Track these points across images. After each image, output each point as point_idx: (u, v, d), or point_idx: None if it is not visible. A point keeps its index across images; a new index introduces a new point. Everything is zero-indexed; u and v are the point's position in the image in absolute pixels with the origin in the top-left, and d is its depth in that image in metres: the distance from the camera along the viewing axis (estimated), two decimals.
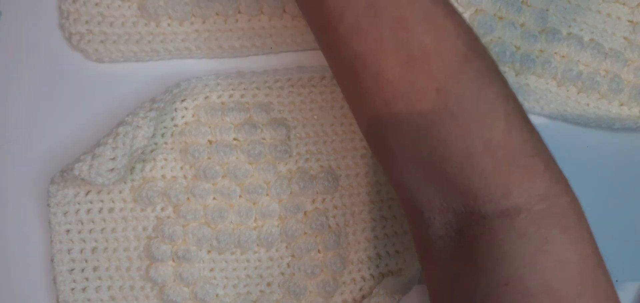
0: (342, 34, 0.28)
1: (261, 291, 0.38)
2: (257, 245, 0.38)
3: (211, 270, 0.38)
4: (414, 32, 0.27)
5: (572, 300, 0.26)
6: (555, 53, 0.40)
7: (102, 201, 0.37)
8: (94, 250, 0.37)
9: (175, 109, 0.38)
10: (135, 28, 0.38)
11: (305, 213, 0.38)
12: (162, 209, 0.37)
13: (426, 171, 0.28)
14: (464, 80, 0.27)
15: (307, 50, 0.40)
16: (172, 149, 0.38)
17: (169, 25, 0.38)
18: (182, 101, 0.38)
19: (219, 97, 0.38)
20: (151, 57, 0.39)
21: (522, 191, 0.27)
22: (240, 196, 0.38)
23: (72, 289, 0.37)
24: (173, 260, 0.37)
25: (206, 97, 0.38)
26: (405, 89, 0.27)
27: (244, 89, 0.39)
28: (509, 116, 0.27)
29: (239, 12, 0.39)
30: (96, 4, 0.38)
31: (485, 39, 0.39)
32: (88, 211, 0.37)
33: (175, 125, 0.38)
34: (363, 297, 0.38)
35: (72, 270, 0.37)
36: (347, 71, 0.29)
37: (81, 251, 0.37)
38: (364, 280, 0.38)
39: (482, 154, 0.27)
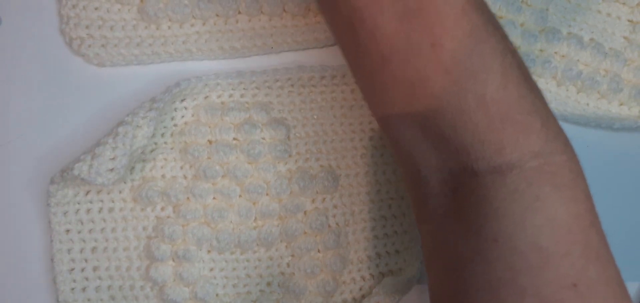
0: None
1: (261, 291, 0.38)
2: (257, 244, 0.38)
3: (211, 269, 0.38)
4: None
5: (559, 259, 0.26)
6: (555, 53, 0.40)
7: (102, 201, 0.37)
8: (93, 249, 0.37)
9: (175, 109, 0.38)
10: (135, 31, 0.38)
11: (305, 212, 0.38)
12: (162, 209, 0.37)
13: (422, 129, 0.28)
14: (459, 34, 0.26)
15: (308, 49, 0.40)
16: (172, 149, 0.38)
17: (169, 27, 0.38)
18: (182, 100, 0.38)
19: (219, 97, 0.38)
20: (152, 60, 0.39)
21: (515, 148, 0.26)
22: (240, 196, 0.38)
23: (72, 289, 0.37)
24: (173, 260, 0.37)
25: (206, 97, 0.38)
26: (400, 44, 0.27)
27: (244, 89, 0.39)
28: (505, 71, 0.26)
29: (239, 13, 0.39)
30: (96, 8, 0.38)
31: None
32: (88, 211, 0.37)
33: (175, 125, 0.38)
34: (363, 297, 0.38)
35: (72, 269, 0.37)
36: (345, 27, 0.29)
37: (81, 251, 0.37)
38: (364, 280, 0.38)
39: (475, 110, 0.26)
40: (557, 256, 0.26)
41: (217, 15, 0.38)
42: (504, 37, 0.27)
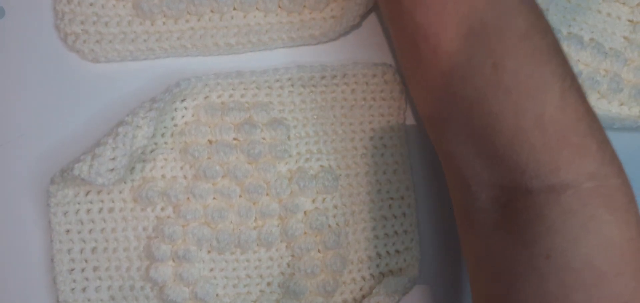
0: (406, 6, 0.29)
1: (261, 291, 0.38)
2: (257, 244, 0.38)
3: (211, 269, 0.38)
4: (475, 8, 0.27)
5: (613, 278, 0.26)
6: None
7: (102, 201, 0.37)
8: (93, 250, 0.37)
9: (175, 109, 0.38)
10: (130, 27, 0.38)
11: (305, 212, 0.38)
12: (162, 209, 0.37)
13: (477, 145, 0.29)
14: (520, 56, 0.27)
15: (303, 46, 0.40)
16: (172, 149, 0.38)
17: (164, 23, 0.38)
18: (182, 100, 0.38)
19: (219, 97, 0.38)
20: (147, 56, 0.39)
21: (571, 169, 0.27)
22: (240, 196, 0.38)
23: (72, 289, 0.37)
24: (173, 260, 0.37)
25: (206, 97, 0.38)
26: (462, 63, 0.27)
27: (244, 88, 0.39)
28: (564, 93, 0.27)
29: (234, 9, 0.39)
30: (91, 4, 0.38)
31: None
32: (88, 211, 0.37)
33: (175, 125, 0.38)
34: (363, 297, 0.38)
35: (72, 270, 0.37)
36: (408, 43, 0.30)
37: (81, 251, 0.37)
38: (364, 280, 0.38)
39: (533, 129, 0.27)
40: (610, 276, 0.26)
41: (212, 11, 0.38)
42: (564, 61, 0.28)
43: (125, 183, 0.37)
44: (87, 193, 0.37)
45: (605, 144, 0.28)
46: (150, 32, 0.38)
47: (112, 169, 0.35)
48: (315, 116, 0.39)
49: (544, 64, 0.27)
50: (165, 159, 0.38)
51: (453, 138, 0.30)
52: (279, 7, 0.39)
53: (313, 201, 0.38)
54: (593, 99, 0.40)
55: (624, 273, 0.27)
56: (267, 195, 0.38)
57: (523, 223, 0.28)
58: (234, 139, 0.38)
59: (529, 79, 0.27)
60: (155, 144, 0.38)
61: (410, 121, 0.40)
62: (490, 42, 0.27)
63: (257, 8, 0.39)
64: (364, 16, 0.39)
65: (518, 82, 0.27)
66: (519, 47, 0.27)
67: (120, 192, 0.37)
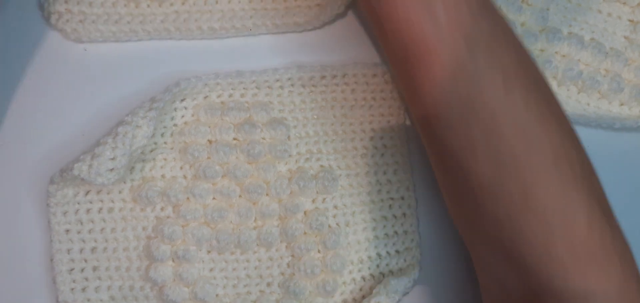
0: (438, 131, 0.30)
1: (261, 291, 0.38)
2: (257, 245, 0.38)
3: (211, 270, 0.38)
4: (505, 139, 0.28)
5: None
6: (556, 52, 0.40)
7: (101, 201, 0.37)
8: (93, 250, 0.37)
9: (175, 109, 0.38)
10: (114, 8, 0.38)
11: (305, 213, 0.38)
12: (162, 209, 0.37)
13: (506, 255, 0.30)
14: (550, 186, 0.28)
15: (287, 33, 0.40)
16: (171, 149, 0.38)
17: (148, 6, 0.38)
18: (182, 100, 0.38)
19: (219, 96, 0.38)
20: (130, 38, 0.39)
21: (598, 283, 0.28)
22: (240, 196, 0.38)
23: (72, 289, 0.37)
24: (173, 260, 0.37)
25: (206, 97, 0.38)
26: (492, 187, 0.29)
27: (244, 88, 0.38)
28: (591, 214, 0.28)
29: None
30: None
31: None
32: (88, 211, 0.37)
33: (175, 125, 0.38)
34: (363, 297, 0.38)
35: (72, 270, 0.37)
36: (440, 163, 0.32)
37: (81, 251, 0.37)
38: (364, 280, 0.38)
39: (561, 248, 0.28)
40: None
41: None
42: (592, 181, 0.29)
43: (124, 183, 0.37)
44: (87, 193, 0.37)
45: (627, 260, 0.29)
46: (134, 14, 0.38)
47: (111, 169, 0.35)
48: (315, 116, 0.39)
49: (572, 190, 0.28)
50: (165, 159, 0.38)
51: (484, 246, 0.31)
52: None
53: (313, 201, 0.38)
54: (593, 99, 0.40)
55: None
56: (267, 195, 0.38)
57: None
58: (234, 139, 0.38)
59: (558, 206, 0.28)
60: (155, 144, 0.38)
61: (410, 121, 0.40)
62: (520, 173, 0.28)
63: None
64: (348, 5, 0.40)
65: (547, 209, 0.28)
66: (547, 177, 0.28)
67: (120, 192, 0.37)
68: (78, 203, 0.37)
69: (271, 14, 0.39)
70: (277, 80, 0.39)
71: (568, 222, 0.28)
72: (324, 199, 0.38)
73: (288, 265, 0.38)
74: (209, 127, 0.38)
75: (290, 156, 0.38)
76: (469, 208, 0.31)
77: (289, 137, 0.38)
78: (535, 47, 0.39)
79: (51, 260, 0.37)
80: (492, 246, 0.30)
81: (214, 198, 0.37)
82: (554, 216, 0.28)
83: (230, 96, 0.38)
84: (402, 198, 0.39)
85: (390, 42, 0.31)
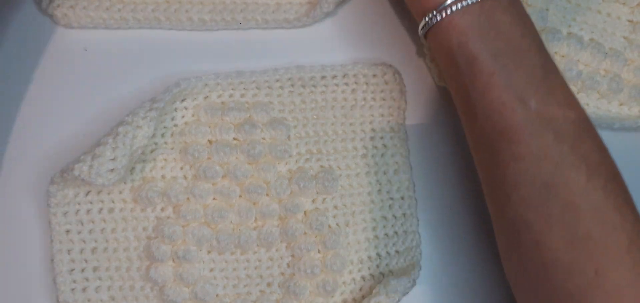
0: (513, 201, 0.31)
1: (261, 291, 0.38)
2: (257, 245, 0.38)
3: (211, 270, 0.38)
4: (582, 220, 0.30)
5: None
6: (555, 53, 0.40)
7: (102, 201, 0.37)
8: (93, 250, 0.37)
9: (175, 109, 0.38)
10: None
11: (305, 212, 0.38)
12: (162, 209, 0.37)
13: None
14: (621, 269, 0.29)
15: (276, 29, 0.40)
16: (172, 149, 0.38)
17: None
18: (182, 100, 0.38)
19: (219, 97, 0.38)
20: (120, 26, 0.39)
21: None
22: (240, 196, 0.38)
23: (72, 289, 0.37)
24: (173, 260, 0.37)
25: (206, 97, 0.38)
26: (565, 262, 0.30)
27: (244, 88, 0.39)
28: None
29: None
30: None
31: None
32: (88, 211, 0.37)
33: (175, 125, 0.38)
34: (363, 297, 0.38)
35: (72, 270, 0.37)
36: (509, 230, 0.33)
37: (81, 252, 0.37)
38: (364, 280, 0.38)
39: None
40: None
41: None
42: None
43: (125, 183, 0.37)
44: (87, 193, 0.37)
45: None
46: (125, 2, 0.38)
47: (112, 170, 0.35)
48: (315, 116, 0.39)
49: (637, 266, 0.29)
50: (165, 160, 0.38)
51: None
52: None
53: (313, 201, 0.38)
54: (593, 99, 0.40)
55: None
56: (267, 195, 0.38)
57: None
58: (234, 139, 0.38)
59: (629, 289, 0.29)
60: (155, 144, 0.38)
61: (410, 121, 0.40)
62: (593, 252, 0.29)
63: None
64: (339, 4, 0.40)
65: (618, 290, 0.29)
66: (620, 261, 0.29)
67: (120, 192, 0.37)
68: (78, 204, 0.37)
69: (261, 9, 0.39)
70: (277, 80, 0.39)
71: (629, 297, 0.29)
72: (324, 199, 0.38)
73: (288, 265, 0.38)
74: (209, 127, 0.38)
75: (290, 156, 0.38)
76: (537, 283, 0.31)
77: (289, 137, 0.38)
78: None
79: (51, 260, 0.37)
80: None
81: (214, 198, 0.37)
82: (624, 298, 0.29)
83: (231, 96, 0.38)
84: (402, 198, 0.39)
85: (478, 120, 0.33)
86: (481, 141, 0.33)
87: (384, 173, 0.39)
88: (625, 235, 0.30)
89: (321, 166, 0.38)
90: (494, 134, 0.32)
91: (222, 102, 0.38)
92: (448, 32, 0.32)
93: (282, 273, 0.38)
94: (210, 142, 0.38)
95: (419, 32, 0.35)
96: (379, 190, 0.39)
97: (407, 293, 0.38)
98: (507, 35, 0.32)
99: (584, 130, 0.32)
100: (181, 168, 0.38)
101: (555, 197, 0.30)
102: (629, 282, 0.29)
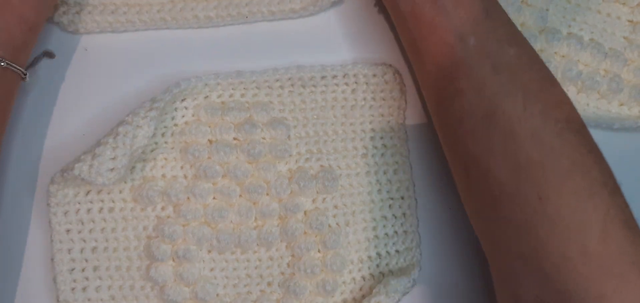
0: (460, 137, 0.33)
1: (261, 291, 0.38)
2: (257, 244, 0.38)
3: (211, 269, 0.38)
4: (521, 146, 0.30)
5: None
6: (555, 53, 0.40)
7: (102, 201, 0.37)
8: (94, 249, 0.37)
9: (176, 109, 0.38)
10: None
11: (305, 212, 0.38)
12: (162, 208, 0.37)
13: (526, 264, 0.30)
14: (564, 193, 0.29)
15: (283, 20, 0.40)
16: (172, 148, 0.38)
17: None
18: (182, 100, 0.38)
19: (219, 96, 0.38)
20: (126, 28, 0.39)
21: (614, 294, 0.28)
22: (240, 196, 0.38)
23: (73, 289, 0.37)
24: (173, 260, 0.37)
25: (206, 97, 0.38)
26: (510, 191, 0.30)
27: (244, 88, 0.39)
28: (606, 227, 0.29)
29: None
30: None
31: None
32: (88, 211, 0.37)
33: (176, 125, 0.38)
34: (363, 297, 0.38)
35: (73, 269, 0.37)
36: (461, 167, 0.34)
37: (81, 251, 0.37)
38: (364, 280, 0.38)
39: (577, 259, 0.29)
40: None
41: None
42: (609, 193, 0.30)
43: (125, 182, 0.37)
44: (87, 193, 0.37)
45: None
46: (130, 5, 0.38)
47: (112, 169, 0.35)
48: (315, 116, 0.39)
49: (586, 200, 0.29)
50: (166, 159, 0.38)
51: (504, 255, 0.32)
52: None
53: (313, 201, 0.38)
54: (592, 100, 0.40)
55: None
56: (267, 194, 0.38)
57: None
58: (234, 139, 0.38)
59: (572, 214, 0.29)
60: (156, 143, 0.38)
61: (410, 121, 0.40)
62: (536, 177, 0.30)
63: None
64: None
65: (562, 216, 0.29)
66: (563, 185, 0.30)
67: (121, 192, 0.37)
68: (79, 203, 0.37)
69: (266, 1, 0.39)
70: (277, 80, 0.39)
71: (582, 231, 0.29)
72: (324, 199, 0.38)
73: (288, 264, 0.38)
74: (210, 127, 0.38)
75: (290, 156, 0.38)
76: (489, 215, 0.32)
77: (289, 137, 0.38)
78: (535, 48, 0.39)
79: (52, 259, 0.37)
80: (511, 255, 0.31)
81: (214, 198, 0.37)
82: (568, 225, 0.29)
83: (231, 96, 0.38)
84: (402, 198, 0.39)
85: (426, 66, 0.35)
86: (430, 88, 0.35)
87: (384, 173, 0.39)
88: (566, 159, 0.30)
89: (321, 165, 0.38)
90: (439, 75, 0.34)
91: (222, 102, 0.38)
92: None
93: (282, 273, 0.38)
94: (210, 142, 0.38)
95: None
96: (379, 190, 0.39)
97: (407, 293, 0.38)
98: None
99: (526, 63, 0.33)
100: (181, 168, 0.38)
101: (495, 127, 0.31)
102: (573, 208, 0.29)
